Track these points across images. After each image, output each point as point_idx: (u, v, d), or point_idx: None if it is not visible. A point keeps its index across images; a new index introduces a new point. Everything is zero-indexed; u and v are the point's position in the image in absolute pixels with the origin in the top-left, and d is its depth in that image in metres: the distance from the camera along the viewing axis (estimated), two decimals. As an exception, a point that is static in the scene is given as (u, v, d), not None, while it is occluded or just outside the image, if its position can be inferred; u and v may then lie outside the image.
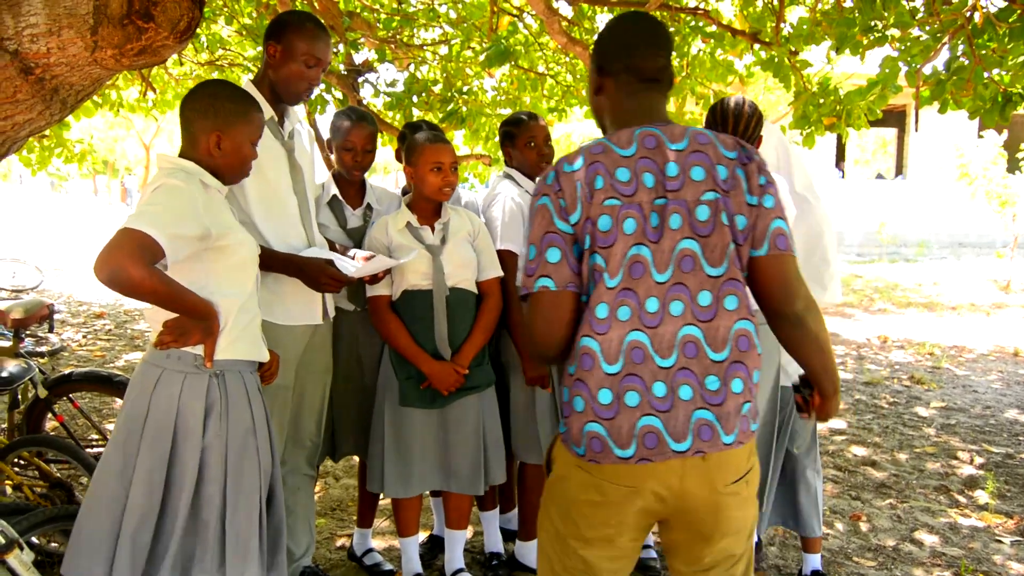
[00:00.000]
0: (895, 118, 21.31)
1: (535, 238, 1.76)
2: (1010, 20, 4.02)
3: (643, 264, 1.71)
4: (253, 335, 2.24)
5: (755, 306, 1.83)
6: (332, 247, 2.89)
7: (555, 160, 1.84)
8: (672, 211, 1.72)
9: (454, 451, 2.93)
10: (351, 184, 3.15)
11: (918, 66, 4.59)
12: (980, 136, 13.85)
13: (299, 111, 2.93)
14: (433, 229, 2.93)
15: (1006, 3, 4.05)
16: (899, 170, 20.79)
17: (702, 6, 6.30)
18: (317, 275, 2.61)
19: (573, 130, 19.79)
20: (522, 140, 3.21)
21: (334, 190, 3.11)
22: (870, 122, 5.84)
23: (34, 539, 2.77)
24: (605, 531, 1.76)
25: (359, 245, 3.01)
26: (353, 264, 2.71)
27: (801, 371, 2.99)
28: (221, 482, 2.10)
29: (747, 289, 1.79)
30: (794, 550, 3.52)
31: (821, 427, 5.40)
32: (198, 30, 6.94)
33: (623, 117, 1.83)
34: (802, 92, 6.07)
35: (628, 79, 1.82)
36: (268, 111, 2.67)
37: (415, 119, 7.05)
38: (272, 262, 2.57)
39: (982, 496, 4.26)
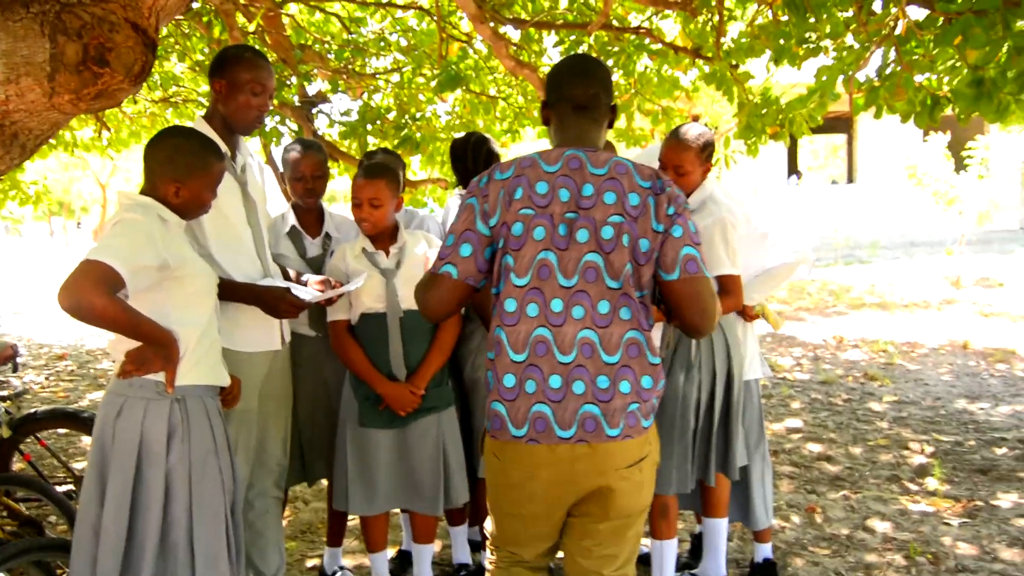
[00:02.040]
0: (843, 124, 21.81)
1: (456, 230, 2.04)
2: (932, 28, 4.22)
3: (549, 268, 1.96)
4: (213, 361, 2.33)
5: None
6: (286, 276, 2.99)
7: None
8: (580, 226, 1.96)
9: (415, 471, 3.01)
10: (309, 213, 3.25)
11: (851, 73, 4.81)
12: (925, 140, 14.29)
13: (252, 145, 3.03)
14: (388, 253, 3.02)
15: (928, 13, 4.25)
16: (850, 175, 21.29)
17: (645, 25, 6.50)
18: (276, 302, 2.70)
19: (528, 150, 19.95)
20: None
21: (293, 220, 3.21)
22: (819, 128, 6.05)
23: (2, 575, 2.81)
24: (518, 509, 2.05)
25: (318, 273, 3.10)
26: (307, 291, 2.81)
27: (762, 373, 3.19)
28: (187, 503, 2.19)
29: (641, 306, 2.00)
30: (752, 543, 3.64)
31: (778, 426, 5.58)
32: (150, 68, 7.01)
33: (559, 139, 2.10)
34: (745, 103, 6.28)
35: (563, 107, 2.09)
36: (221, 146, 2.76)
37: (370, 147, 7.19)
38: (232, 292, 2.65)
39: (932, 483, 4.44)
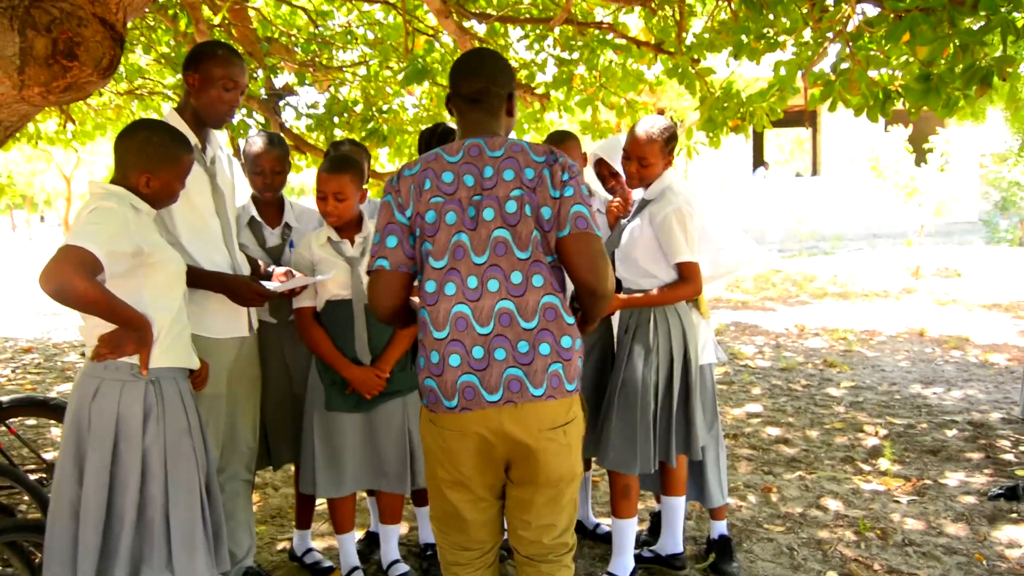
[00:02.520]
0: (808, 118, 22.09)
1: (380, 227, 2.21)
2: (883, 24, 4.36)
3: (463, 248, 2.13)
4: (184, 344, 2.42)
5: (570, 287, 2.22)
6: (254, 265, 3.06)
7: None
8: (486, 205, 2.13)
9: (381, 452, 3.11)
10: (269, 205, 3.33)
11: (806, 68, 4.95)
12: (887, 131, 14.58)
13: (220, 137, 3.09)
14: (353, 242, 3.10)
15: (880, 10, 4.39)
16: (814, 168, 21.60)
17: (608, 20, 6.61)
18: (241, 290, 2.79)
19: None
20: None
21: (253, 211, 3.29)
22: (784, 122, 6.20)
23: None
24: (455, 474, 2.18)
25: (277, 262, 3.19)
26: (273, 282, 2.90)
27: (716, 358, 3.31)
28: (162, 481, 2.27)
29: (552, 270, 2.14)
30: (709, 522, 3.78)
31: (738, 411, 5.73)
32: (116, 60, 7.01)
33: (461, 130, 2.29)
34: (707, 97, 6.41)
35: (458, 101, 2.27)
36: (192, 138, 2.83)
37: (337, 139, 7.23)
38: (200, 279, 2.73)
39: (884, 463, 4.61)
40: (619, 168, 3.46)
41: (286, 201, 3.40)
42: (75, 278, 2.03)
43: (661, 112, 12.38)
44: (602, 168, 3.57)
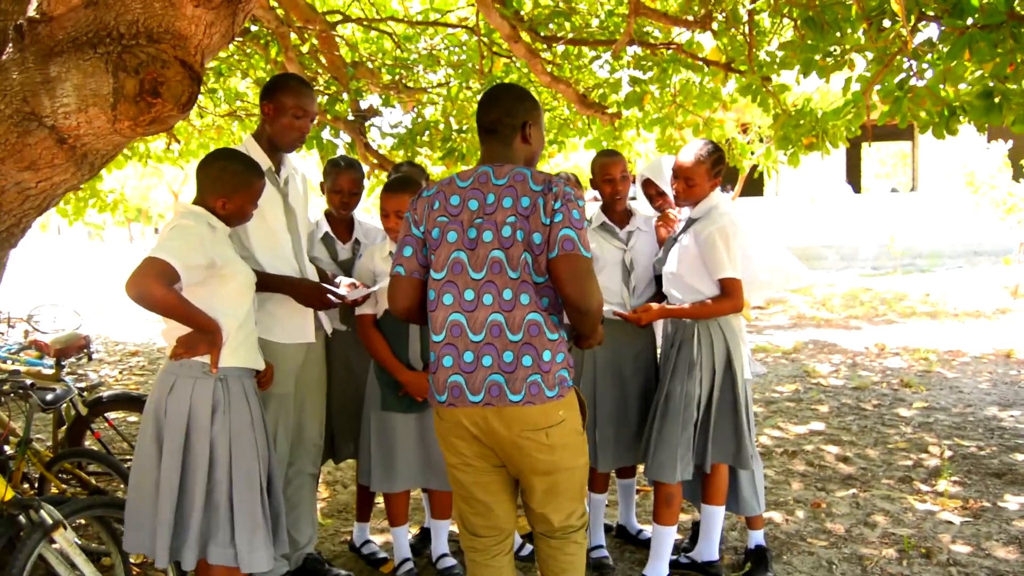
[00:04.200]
0: (907, 132, 21.46)
1: (400, 239, 2.52)
2: (946, 42, 4.36)
3: (461, 264, 2.38)
4: (250, 347, 2.71)
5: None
6: (323, 277, 3.35)
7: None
8: (486, 228, 2.35)
9: (431, 452, 3.34)
10: (340, 222, 3.63)
11: (871, 85, 4.98)
12: (987, 148, 14.09)
13: (294, 159, 3.40)
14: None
15: (943, 28, 4.40)
16: (914, 183, 20.96)
17: (679, 40, 6.73)
18: (308, 292, 3.08)
19: (580, 159, 20.12)
20: None
21: (326, 227, 3.60)
22: (883, 136, 6.14)
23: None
24: (459, 457, 2.47)
25: (348, 274, 3.48)
26: (341, 288, 3.19)
27: (754, 371, 3.44)
28: (227, 467, 2.56)
29: (540, 290, 2.35)
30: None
31: (801, 429, 5.75)
32: (216, 85, 7.53)
33: (481, 159, 2.51)
34: (780, 115, 6.45)
35: (480, 131, 2.55)
36: (266, 162, 3.14)
37: (420, 156, 7.57)
38: (271, 283, 3.02)
39: (943, 484, 4.57)
40: (665, 188, 3.63)
41: (355, 220, 3.69)
42: (154, 286, 2.36)
43: (745, 129, 12.33)
44: (649, 188, 3.74)
